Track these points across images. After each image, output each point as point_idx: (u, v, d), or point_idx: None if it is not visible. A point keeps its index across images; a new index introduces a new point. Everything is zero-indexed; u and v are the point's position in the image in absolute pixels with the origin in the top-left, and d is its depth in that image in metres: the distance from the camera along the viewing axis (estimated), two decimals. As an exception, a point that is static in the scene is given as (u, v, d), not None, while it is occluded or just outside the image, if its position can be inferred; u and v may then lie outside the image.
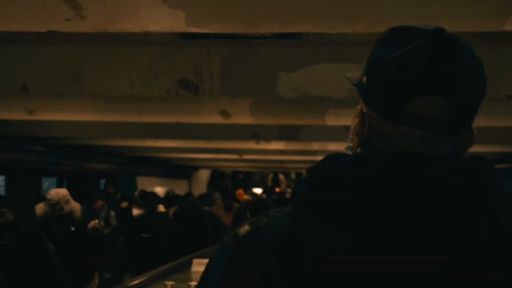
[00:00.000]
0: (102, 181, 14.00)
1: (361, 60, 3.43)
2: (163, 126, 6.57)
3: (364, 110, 0.97)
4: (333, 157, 0.94)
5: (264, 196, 14.27)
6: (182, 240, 6.97)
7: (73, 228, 5.45)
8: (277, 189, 15.32)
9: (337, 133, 6.75)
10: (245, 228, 0.96)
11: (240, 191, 13.09)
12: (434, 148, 0.91)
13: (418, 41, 0.90)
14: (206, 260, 4.38)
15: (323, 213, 0.88)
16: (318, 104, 5.45)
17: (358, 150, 0.99)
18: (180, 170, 17.90)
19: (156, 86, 4.01)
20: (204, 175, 21.45)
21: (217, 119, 5.57)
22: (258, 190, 17.16)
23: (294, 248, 0.89)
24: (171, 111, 5.56)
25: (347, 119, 6.03)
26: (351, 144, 1.04)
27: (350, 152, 1.04)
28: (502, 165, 10.77)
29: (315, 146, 8.76)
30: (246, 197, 12.64)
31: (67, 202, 5.39)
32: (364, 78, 0.96)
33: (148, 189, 14.72)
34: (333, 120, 5.53)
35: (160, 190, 16.57)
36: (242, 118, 5.55)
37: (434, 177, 0.85)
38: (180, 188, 18.38)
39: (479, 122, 0.95)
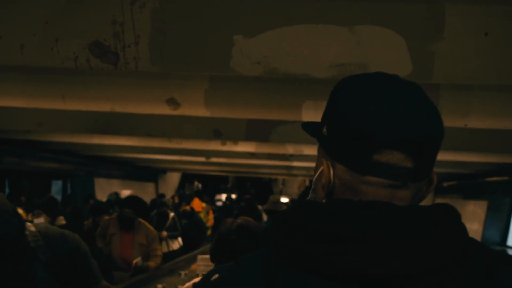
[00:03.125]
0: (56, 182, 12.70)
1: (354, 21, 2.02)
2: (101, 118, 5.33)
3: (328, 161, 0.97)
4: (304, 205, 0.93)
5: (228, 203, 12.96)
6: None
7: None
8: (247, 196, 14.11)
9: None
10: (215, 276, 0.95)
11: (195, 201, 11.65)
12: (399, 195, 0.93)
13: (376, 91, 0.92)
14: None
15: (298, 263, 0.88)
16: (294, 92, 4.25)
17: (323, 200, 0.99)
18: (146, 172, 16.55)
19: (58, 51, 2.78)
20: (173, 177, 20.12)
21: (164, 109, 4.35)
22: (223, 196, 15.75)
23: None
24: (102, 97, 4.32)
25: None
26: (314, 195, 1.04)
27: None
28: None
29: (290, 149, 7.57)
30: (204, 205, 11.25)
31: None
32: (325, 130, 0.97)
33: (108, 192, 13.49)
34: (311, 115, 4.33)
35: (123, 193, 15.27)
36: (196, 108, 4.33)
37: (404, 227, 0.87)
38: (146, 192, 17.11)
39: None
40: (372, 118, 0.90)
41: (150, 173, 17.16)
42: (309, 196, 1.09)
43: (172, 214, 8.52)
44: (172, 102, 4.31)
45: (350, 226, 0.86)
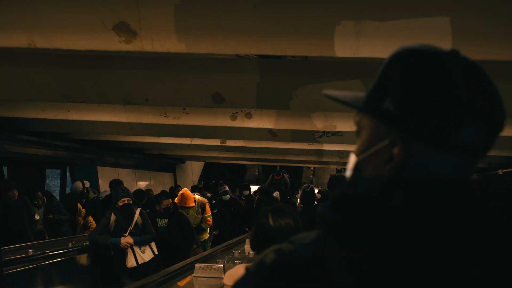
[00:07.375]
0: (54, 171, 11.24)
1: None
2: (55, 78, 3.74)
3: (395, 137, 0.93)
4: (359, 182, 0.95)
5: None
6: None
7: None
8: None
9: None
10: (270, 257, 0.93)
11: (183, 192, 8.24)
12: (468, 170, 0.93)
13: (447, 66, 0.91)
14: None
15: (354, 242, 0.87)
16: (320, 8, 2.57)
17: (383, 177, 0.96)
18: (162, 161, 14.98)
19: None
20: (194, 167, 18.49)
21: (112, 42, 2.71)
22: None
23: (324, 278, 0.88)
24: (12, 22, 2.70)
25: (381, 47, 3.12)
26: (349, 174, 1.00)
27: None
28: None
29: (318, 123, 5.88)
30: (197, 197, 8.58)
31: None
32: (391, 105, 0.93)
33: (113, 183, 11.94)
34: (350, 45, 2.64)
35: (133, 185, 13.73)
36: (162, 39, 2.67)
37: (469, 205, 0.87)
38: (163, 183, 15.57)
39: None
40: (453, 93, 0.89)
41: (166, 162, 15.59)
42: (348, 173, 1.01)
43: (138, 209, 6.10)
44: (124, 29, 2.66)
45: (408, 204, 0.86)
